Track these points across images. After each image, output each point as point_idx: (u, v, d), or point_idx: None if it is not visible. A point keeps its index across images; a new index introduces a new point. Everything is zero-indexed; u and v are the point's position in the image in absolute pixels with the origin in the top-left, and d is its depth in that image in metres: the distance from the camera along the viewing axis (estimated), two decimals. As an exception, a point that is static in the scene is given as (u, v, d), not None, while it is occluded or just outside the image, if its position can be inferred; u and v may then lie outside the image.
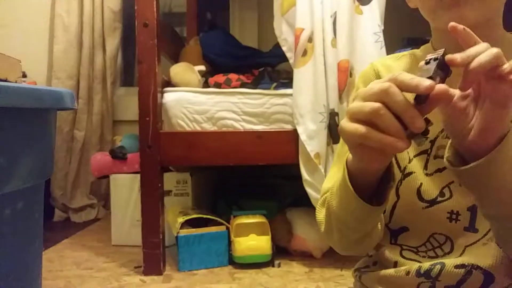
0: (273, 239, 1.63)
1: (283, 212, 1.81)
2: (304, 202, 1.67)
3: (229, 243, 1.63)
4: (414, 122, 0.43)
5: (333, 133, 1.53)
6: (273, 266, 1.61)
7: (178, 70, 1.70)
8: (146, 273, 1.53)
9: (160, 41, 1.53)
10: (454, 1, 0.57)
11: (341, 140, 0.71)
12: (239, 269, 1.59)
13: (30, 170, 0.73)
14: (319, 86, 1.52)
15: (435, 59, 0.44)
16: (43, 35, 2.58)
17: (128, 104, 2.58)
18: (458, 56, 0.42)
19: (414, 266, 0.62)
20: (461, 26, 0.45)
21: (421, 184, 0.64)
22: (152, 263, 1.53)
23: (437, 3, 0.59)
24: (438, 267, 0.60)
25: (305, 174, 1.54)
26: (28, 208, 0.76)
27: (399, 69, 0.68)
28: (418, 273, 0.62)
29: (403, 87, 0.43)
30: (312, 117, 1.52)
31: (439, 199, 0.63)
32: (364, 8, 1.56)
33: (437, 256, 0.63)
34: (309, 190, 1.55)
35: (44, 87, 0.75)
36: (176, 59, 1.98)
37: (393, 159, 0.64)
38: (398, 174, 0.66)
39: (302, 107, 1.53)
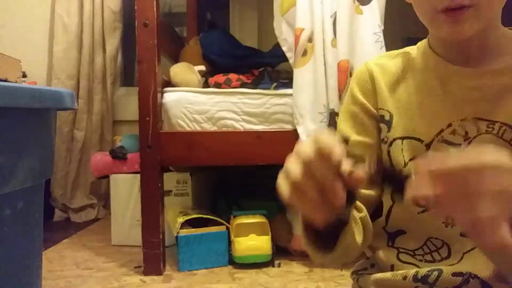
0: (273, 239, 1.63)
1: (283, 212, 1.81)
2: (304, 202, 1.67)
3: (229, 243, 1.63)
4: (334, 197, 0.43)
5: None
6: (273, 266, 1.61)
7: (178, 70, 1.70)
8: (146, 273, 1.53)
9: (160, 41, 1.53)
10: (450, 19, 0.55)
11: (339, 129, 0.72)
12: (239, 269, 1.59)
13: (30, 170, 0.73)
14: (319, 86, 1.52)
15: None
16: (43, 35, 2.58)
17: (128, 104, 2.58)
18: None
19: (411, 271, 0.62)
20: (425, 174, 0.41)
21: None
22: (152, 263, 1.53)
23: (433, 15, 0.57)
24: (435, 273, 0.60)
25: (305, 174, 1.54)
26: (28, 208, 0.76)
27: (392, 69, 0.68)
28: (415, 278, 0.61)
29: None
30: (312, 117, 1.52)
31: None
32: (364, 8, 1.56)
33: (434, 261, 0.63)
34: (309, 190, 1.55)
35: (44, 87, 0.75)
36: (176, 59, 1.98)
37: (389, 163, 0.65)
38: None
39: (302, 107, 1.53)
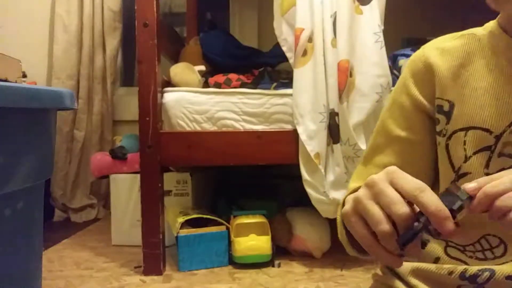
0: (273, 239, 1.63)
1: (283, 212, 1.81)
2: (304, 202, 1.67)
3: (229, 243, 1.63)
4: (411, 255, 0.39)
5: (333, 133, 1.53)
6: (273, 266, 1.61)
7: (178, 70, 1.70)
8: (146, 273, 1.53)
9: (160, 41, 1.53)
10: None
11: (374, 134, 0.67)
12: (239, 269, 1.59)
13: (30, 170, 0.73)
14: (319, 86, 1.52)
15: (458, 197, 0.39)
16: (43, 35, 2.58)
17: (128, 104, 2.59)
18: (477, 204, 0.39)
19: (460, 267, 0.57)
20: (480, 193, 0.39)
21: None
22: (152, 263, 1.53)
23: None
24: (487, 274, 0.55)
25: (305, 174, 1.54)
26: (28, 208, 0.76)
27: (456, 51, 0.61)
28: (463, 276, 0.56)
29: (424, 210, 0.38)
30: (312, 117, 1.52)
31: None
32: (364, 8, 1.56)
33: (485, 259, 0.58)
34: (309, 190, 1.55)
35: (44, 87, 0.75)
36: (176, 59, 1.98)
37: (446, 158, 0.59)
38: (450, 175, 0.59)
39: (302, 107, 1.53)
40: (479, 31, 0.62)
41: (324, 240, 1.69)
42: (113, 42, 2.53)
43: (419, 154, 0.63)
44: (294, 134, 1.54)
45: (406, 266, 0.62)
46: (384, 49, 1.54)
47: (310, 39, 1.53)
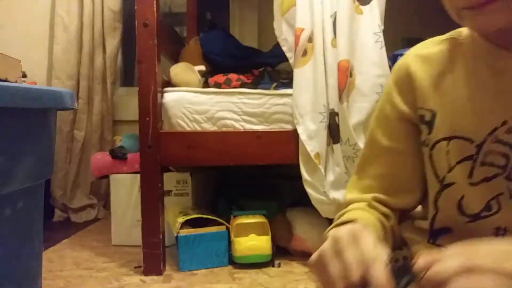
0: (273, 239, 1.63)
1: (283, 212, 1.81)
2: (304, 202, 1.67)
3: (229, 243, 1.63)
4: None
5: (333, 133, 1.53)
6: (273, 266, 1.61)
7: (178, 70, 1.70)
8: (146, 273, 1.53)
9: (160, 41, 1.53)
10: (473, 13, 0.48)
11: (365, 144, 0.68)
12: (239, 269, 1.59)
13: (30, 170, 0.73)
14: (319, 86, 1.52)
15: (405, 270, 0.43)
16: (43, 35, 2.58)
17: (128, 104, 2.58)
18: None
19: None
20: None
21: (463, 196, 0.57)
22: (152, 263, 1.53)
23: (458, 12, 0.51)
24: None
25: (305, 174, 1.54)
26: (28, 208, 0.76)
27: (436, 58, 0.60)
28: None
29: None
30: (312, 117, 1.52)
31: (484, 213, 0.55)
32: (364, 8, 1.56)
33: None
34: (309, 190, 1.55)
35: (44, 87, 0.75)
36: (176, 59, 1.98)
37: (431, 168, 0.59)
38: (435, 185, 0.59)
39: (302, 107, 1.53)
40: (462, 33, 0.60)
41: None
42: (113, 42, 2.53)
43: (406, 163, 0.63)
44: (294, 134, 1.54)
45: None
46: (384, 49, 1.54)
47: (310, 39, 1.53)
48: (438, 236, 0.62)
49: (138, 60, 1.51)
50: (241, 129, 1.59)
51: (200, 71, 1.76)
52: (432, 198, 0.60)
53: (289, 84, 1.60)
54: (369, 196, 0.64)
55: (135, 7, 1.49)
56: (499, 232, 0.55)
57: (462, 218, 0.57)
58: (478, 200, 0.56)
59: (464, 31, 0.60)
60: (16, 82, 0.76)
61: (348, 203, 0.65)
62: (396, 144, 0.63)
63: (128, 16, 2.61)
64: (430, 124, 0.59)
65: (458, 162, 0.56)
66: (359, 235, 0.45)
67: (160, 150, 1.53)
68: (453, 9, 0.51)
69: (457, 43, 0.60)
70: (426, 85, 0.59)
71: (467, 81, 0.57)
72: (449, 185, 0.57)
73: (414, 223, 0.67)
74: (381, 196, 0.63)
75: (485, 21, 0.49)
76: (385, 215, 0.62)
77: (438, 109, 0.58)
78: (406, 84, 0.62)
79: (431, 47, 0.62)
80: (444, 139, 0.57)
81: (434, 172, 0.59)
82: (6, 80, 0.74)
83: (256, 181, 2.27)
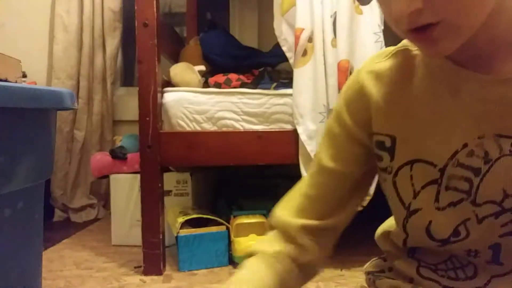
0: (273, 239, 1.63)
1: (283, 212, 1.81)
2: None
3: (229, 243, 1.63)
4: None
5: (333, 133, 1.53)
6: (273, 266, 1.61)
7: (178, 70, 1.70)
8: (146, 273, 1.53)
9: (160, 41, 1.53)
10: (420, 38, 0.44)
11: (312, 162, 0.63)
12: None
13: (30, 170, 0.73)
14: (319, 86, 1.52)
15: None
16: (43, 35, 2.58)
17: (128, 104, 2.58)
18: None
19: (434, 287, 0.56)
20: None
21: (431, 221, 0.54)
22: (152, 263, 1.53)
23: (403, 35, 0.46)
24: None
25: (305, 174, 1.54)
26: (28, 208, 0.76)
27: (390, 75, 0.55)
28: None
29: None
30: (312, 117, 1.52)
31: (453, 239, 0.53)
32: (364, 8, 1.56)
33: (457, 279, 0.55)
34: (309, 190, 1.55)
35: (44, 87, 0.75)
36: (176, 59, 1.98)
37: (395, 195, 0.56)
38: (402, 212, 0.56)
39: (302, 107, 1.53)
40: (411, 46, 0.55)
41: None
42: (113, 42, 2.53)
43: (346, 187, 0.60)
44: (294, 134, 1.54)
45: (386, 283, 0.62)
46: (384, 49, 1.54)
47: (310, 39, 1.53)
48: (416, 251, 0.60)
49: (138, 60, 1.51)
50: (241, 129, 1.59)
51: (200, 71, 1.76)
52: (400, 223, 0.58)
53: (289, 84, 1.60)
54: (297, 224, 0.59)
55: (135, 7, 1.49)
56: (471, 253, 0.54)
57: (432, 242, 0.55)
58: (446, 225, 0.53)
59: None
60: (16, 82, 0.76)
61: (275, 222, 0.62)
62: (340, 167, 0.59)
63: (128, 16, 2.60)
64: (391, 150, 0.55)
65: (423, 187, 0.53)
66: None
67: (160, 150, 1.53)
68: (398, 32, 0.47)
69: (409, 55, 0.55)
70: (382, 107, 0.55)
71: (425, 100, 0.53)
72: (416, 211, 0.55)
73: (390, 237, 0.65)
74: (311, 223, 0.59)
75: (431, 50, 0.45)
76: (303, 247, 0.59)
77: (398, 133, 0.54)
78: (360, 106, 0.57)
79: (383, 61, 0.57)
80: (406, 163, 0.54)
81: (400, 199, 0.56)
82: (6, 80, 0.74)
83: (256, 181, 2.27)
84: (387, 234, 0.66)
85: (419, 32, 0.43)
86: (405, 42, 0.57)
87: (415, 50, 0.55)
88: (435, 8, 0.41)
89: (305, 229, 0.59)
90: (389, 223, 0.67)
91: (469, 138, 0.50)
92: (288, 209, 0.61)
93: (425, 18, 0.42)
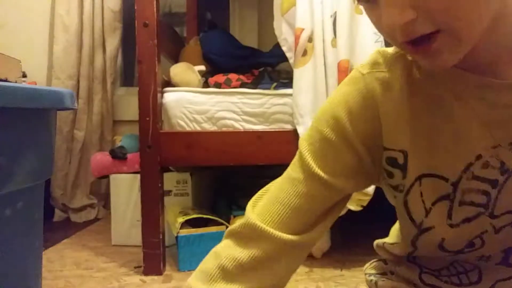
0: (273, 239, 1.63)
1: (283, 212, 1.81)
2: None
3: (229, 243, 1.63)
4: None
5: (333, 133, 1.53)
6: (273, 266, 1.61)
7: (178, 70, 1.70)
8: (146, 273, 1.53)
9: (160, 41, 1.53)
10: (419, 50, 0.41)
11: (293, 166, 0.54)
12: None
13: (30, 170, 0.73)
14: (319, 86, 1.52)
15: None
16: (43, 35, 2.58)
17: (128, 104, 2.58)
18: None
19: None
20: None
21: (443, 239, 0.51)
22: (152, 263, 1.53)
23: (401, 46, 0.43)
24: None
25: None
26: (28, 208, 0.76)
27: (395, 84, 0.50)
28: None
29: None
30: (312, 117, 1.52)
31: (467, 250, 0.51)
32: (364, 8, 1.56)
33: (461, 284, 0.54)
34: (309, 190, 1.55)
35: (44, 87, 0.75)
36: (176, 59, 1.98)
37: (405, 214, 0.52)
38: (413, 231, 0.53)
39: (302, 107, 1.53)
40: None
41: (324, 240, 1.69)
42: (113, 42, 2.53)
43: (331, 200, 0.52)
44: (294, 134, 1.54)
45: (388, 285, 0.60)
46: (383, 51, 1.54)
47: (310, 39, 1.53)
48: (417, 257, 0.58)
49: (138, 60, 1.51)
50: (241, 129, 1.59)
51: (200, 71, 1.76)
52: (408, 239, 0.54)
53: (289, 84, 1.60)
54: (282, 240, 0.51)
55: (135, 7, 1.49)
56: (482, 258, 0.52)
57: (444, 253, 0.53)
58: (460, 240, 0.51)
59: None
60: (16, 82, 0.76)
61: (246, 223, 0.53)
62: (334, 179, 0.51)
63: (128, 16, 2.61)
64: (403, 167, 0.50)
65: (434, 203, 0.49)
66: None
67: (160, 150, 1.53)
68: (395, 43, 0.44)
69: (409, 62, 0.51)
70: (392, 120, 0.50)
71: (431, 109, 0.49)
72: (427, 229, 0.51)
73: (385, 246, 0.63)
74: (291, 238, 0.51)
75: (431, 63, 0.42)
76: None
77: (409, 148, 0.49)
78: (367, 115, 0.51)
79: (385, 68, 0.51)
80: (416, 179, 0.50)
81: (410, 218, 0.52)
82: (6, 80, 0.74)
83: (256, 181, 2.27)
84: (382, 245, 0.64)
85: (416, 44, 0.40)
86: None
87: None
88: (431, 16, 0.38)
89: (288, 245, 0.52)
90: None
91: (483, 148, 0.46)
92: (262, 214, 0.52)
93: (421, 28, 0.38)
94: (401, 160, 0.50)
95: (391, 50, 0.53)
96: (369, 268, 0.68)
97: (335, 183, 0.51)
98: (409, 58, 0.51)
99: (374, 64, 0.53)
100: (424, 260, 0.57)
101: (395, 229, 0.64)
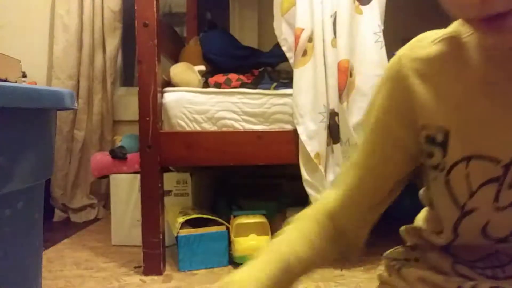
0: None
1: (283, 212, 1.81)
2: (304, 202, 1.67)
3: (229, 243, 1.63)
4: None
5: (333, 133, 1.53)
6: (273, 266, 1.61)
7: (178, 70, 1.70)
8: (146, 273, 1.53)
9: (160, 41, 1.53)
10: (491, 29, 0.40)
11: (360, 147, 0.60)
12: (239, 269, 1.59)
13: (30, 170, 0.73)
14: (319, 86, 1.52)
15: None
16: (43, 35, 2.58)
17: (128, 104, 2.58)
18: None
19: (469, 283, 0.52)
20: None
21: (488, 221, 0.50)
22: (152, 263, 1.53)
23: (469, 23, 0.42)
24: None
25: (305, 174, 1.54)
26: (28, 208, 0.76)
27: (437, 63, 0.51)
28: None
29: None
30: (312, 117, 1.52)
31: (511, 238, 0.50)
32: (364, 8, 1.56)
33: (495, 277, 0.52)
34: (309, 190, 1.55)
35: (44, 87, 0.75)
36: (176, 59, 1.98)
37: (447, 195, 0.52)
38: (455, 212, 0.52)
39: (302, 107, 1.53)
40: (462, 30, 0.50)
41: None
42: (113, 42, 2.53)
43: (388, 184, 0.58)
44: (294, 134, 1.54)
45: (414, 273, 0.59)
46: (384, 49, 1.54)
47: (310, 39, 1.53)
48: (451, 247, 0.57)
49: (138, 60, 1.51)
50: (241, 129, 1.59)
51: (200, 71, 1.76)
52: (450, 224, 0.53)
53: (289, 84, 1.60)
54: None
55: (135, 7, 1.49)
56: None
57: (486, 241, 0.52)
58: (505, 225, 0.50)
59: (461, 28, 0.51)
60: (16, 82, 0.76)
61: (327, 200, 0.63)
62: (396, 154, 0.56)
63: (128, 16, 2.60)
64: (444, 146, 0.50)
65: (481, 185, 0.49)
66: None
67: (160, 150, 1.53)
68: (460, 16, 0.43)
69: (458, 43, 0.50)
70: (430, 99, 0.50)
71: (482, 91, 0.48)
72: (471, 211, 0.51)
73: (420, 231, 0.62)
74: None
75: (501, 42, 0.42)
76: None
77: (451, 127, 0.50)
78: (404, 97, 0.52)
79: (428, 47, 0.52)
80: (462, 160, 0.49)
81: (453, 199, 0.51)
82: (6, 80, 0.75)
83: (256, 181, 2.27)
84: (417, 231, 0.63)
85: (491, 21, 0.38)
86: (451, 30, 0.52)
87: (464, 37, 0.50)
88: None
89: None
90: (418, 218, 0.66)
91: None
92: (338, 200, 0.61)
93: (500, 5, 0.37)
94: (440, 138, 0.51)
95: (437, 32, 0.53)
96: (393, 253, 0.66)
97: (391, 166, 0.56)
98: (461, 38, 0.51)
99: (415, 43, 0.54)
100: (460, 249, 0.55)
101: (421, 218, 0.64)
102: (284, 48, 1.59)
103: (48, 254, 1.79)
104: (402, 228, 0.68)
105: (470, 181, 0.49)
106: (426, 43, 0.52)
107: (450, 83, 0.50)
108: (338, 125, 1.52)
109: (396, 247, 0.67)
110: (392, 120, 0.54)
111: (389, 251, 0.67)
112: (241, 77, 1.73)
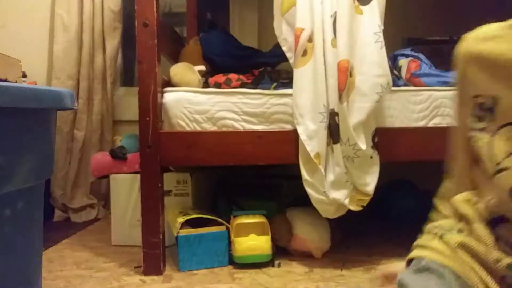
0: (273, 239, 1.63)
1: (283, 212, 1.81)
2: (304, 202, 1.67)
3: (229, 243, 1.63)
4: None
5: (333, 133, 1.53)
6: (273, 266, 1.61)
7: (178, 70, 1.70)
8: (146, 273, 1.53)
9: (160, 41, 1.53)
10: None
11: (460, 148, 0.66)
12: (239, 269, 1.59)
13: (30, 170, 0.73)
14: (319, 86, 1.52)
15: None
16: (43, 35, 2.58)
17: (128, 104, 2.59)
18: None
19: (508, 259, 0.56)
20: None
21: None
22: (152, 263, 1.53)
23: None
24: None
25: (305, 174, 1.54)
26: (28, 208, 0.76)
27: (500, 40, 0.57)
28: (510, 267, 0.56)
29: None
30: (312, 117, 1.52)
31: None
32: (364, 8, 1.56)
33: None
34: (309, 190, 1.55)
35: (44, 87, 0.75)
36: (176, 59, 1.98)
37: (488, 154, 0.58)
38: (491, 170, 0.58)
39: (302, 107, 1.53)
40: None
41: (324, 240, 1.69)
42: (113, 42, 2.53)
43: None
44: (294, 134, 1.54)
45: (457, 238, 0.61)
46: (384, 49, 1.54)
47: (310, 39, 1.53)
48: (496, 225, 0.60)
49: (138, 60, 1.51)
50: (241, 129, 1.59)
51: (200, 71, 1.76)
52: (486, 182, 0.59)
53: (289, 84, 1.60)
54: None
55: (135, 7, 1.49)
56: None
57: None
58: None
59: None
60: (16, 82, 0.76)
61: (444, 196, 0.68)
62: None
63: (128, 16, 2.61)
64: (491, 111, 0.57)
65: None
66: None
67: (160, 150, 1.53)
68: None
69: None
70: (484, 72, 0.58)
71: None
72: (502, 170, 0.56)
73: (468, 202, 0.65)
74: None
75: None
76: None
77: (502, 94, 0.56)
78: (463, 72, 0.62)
79: (500, 30, 0.58)
80: (509, 124, 0.55)
81: (490, 157, 0.57)
82: (6, 80, 0.75)
83: (256, 181, 2.27)
84: (466, 201, 0.66)
85: None
86: None
87: None
88: None
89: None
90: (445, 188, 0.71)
91: None
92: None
93: None
94: (489, 104, 0.57)
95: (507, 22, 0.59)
96: (439, 226, 0.68)
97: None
98: None
99: (477, 35, 0.61)
100: (504, 230, 0.58)
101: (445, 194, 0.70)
102: (284, 48, 1.59)
103: (48, 254, 1.79)
104: (438, 198, 0.72)
105: (510, 144, 0.55)
106: (497, 26, 0.60)
107: (504, 55, 0.56)
108: (338, 125, 1.52)
109: (439, 220, 0.70)
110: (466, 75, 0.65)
111: (439, 223, 0.69)
112: (241, 77, 1.73)
